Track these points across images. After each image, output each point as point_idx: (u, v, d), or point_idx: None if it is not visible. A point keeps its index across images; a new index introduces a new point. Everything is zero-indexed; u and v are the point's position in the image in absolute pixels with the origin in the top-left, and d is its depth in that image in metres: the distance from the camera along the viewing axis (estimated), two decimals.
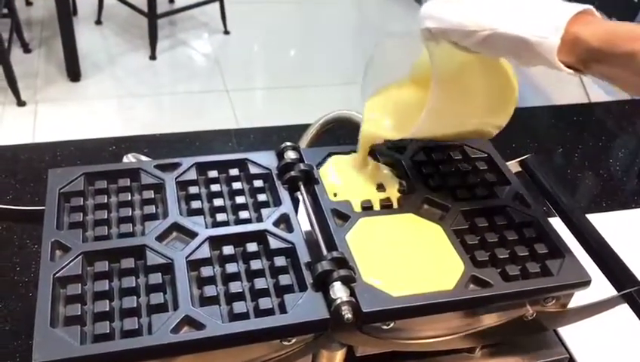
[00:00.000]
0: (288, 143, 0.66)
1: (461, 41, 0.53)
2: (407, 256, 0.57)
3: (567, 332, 0.67)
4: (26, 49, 2.64)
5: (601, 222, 0.67)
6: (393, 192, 0.64)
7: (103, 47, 2.82)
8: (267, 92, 2.75)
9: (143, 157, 0.72)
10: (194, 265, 0.54)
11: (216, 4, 2.88)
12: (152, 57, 2.73)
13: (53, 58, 2.63)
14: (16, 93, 2.34)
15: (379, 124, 0.65)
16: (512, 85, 0.62)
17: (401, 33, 0.63)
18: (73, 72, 2.52)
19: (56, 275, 0.51)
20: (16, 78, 2.32)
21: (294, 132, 0.87)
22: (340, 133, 0.98)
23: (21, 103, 2.35)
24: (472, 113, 0.62)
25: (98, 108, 2.44)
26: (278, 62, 2.92)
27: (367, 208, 0.61)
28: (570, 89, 2.34)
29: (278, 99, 2.64)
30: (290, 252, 0.56)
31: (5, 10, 2.43)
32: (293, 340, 0.51)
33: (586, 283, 0.56)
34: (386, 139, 0.66)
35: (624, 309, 0.57)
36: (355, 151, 0.67)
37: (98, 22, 2.94)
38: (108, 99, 2.50)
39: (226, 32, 2.97)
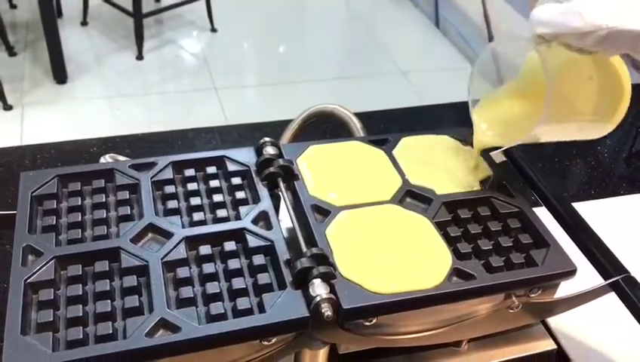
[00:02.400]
0: (267, 139, 0.65)
1: (577, 42, 0.51)
2: (392, 250, 0.55)
3: (555, 322, 0.66)
4: (11, 52, 2.62)
5: (590, 210, 0.66)
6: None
7: (89, 48, 2.80)
8: (256, 89, 2.74)
9: (122, 158, 0.71)
10: (170, 266, 0.52)
11: (203, 2, 2.86)
12: (139, 57, 2.71)
13: (39, 61, 2.61)
14: (2, 96, 2.32)
15: (490, 135, 0.64)
16: (622, 84, 0.59)
17: (509, 35, 0.63)
18: (59, 74, 2.50)
19: (28, 281, 0.50)
20: (1, 82, 2.30)
21: (278, 127, 0.85)
22: (324, 128, 0.97)
23: (7, 107, 2.33)
24: (581, 117, 0.60)
25: (86, 109, 2.42)
26: (267, 58, 2.90)
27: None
28: None
29: (268, 96, 2.63)
30: (269, 250, 0.55)
31: None
32: (274, 340, 0.50)
33: (571, 272, 0.55)
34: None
35: (612, 298, 0.57)
36: None
37: (84, 23, 2.92)
38: (96, 100, 2.48)
39: (213, 30, 2.95)
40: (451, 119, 1.10)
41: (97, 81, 2.60)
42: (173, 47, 2.87)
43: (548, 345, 0.62)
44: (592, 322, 0.67)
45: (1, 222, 0.62)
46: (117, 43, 2.82)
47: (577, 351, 0.65)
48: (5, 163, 0.90)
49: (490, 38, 2.73)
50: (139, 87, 2.59)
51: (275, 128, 0.92)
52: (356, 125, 0.77)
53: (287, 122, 0.83)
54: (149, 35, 2.83)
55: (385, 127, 1.04)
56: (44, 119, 2.33)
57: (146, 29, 2.74)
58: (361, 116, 0.80)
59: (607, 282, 0.56)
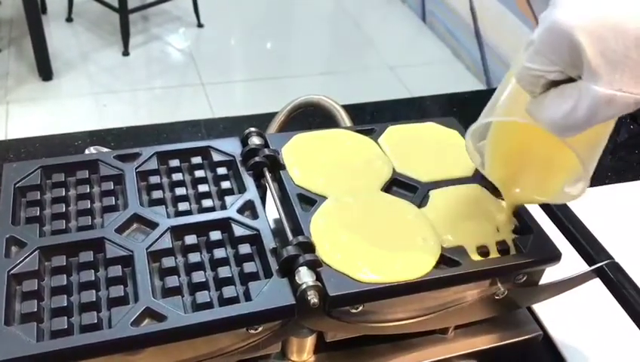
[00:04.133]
0: (252, 129, 0.65)
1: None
2: (379, 238, 0.55)
3: (541, 309, 0.66)
4: None
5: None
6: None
7: (74, 44, 2.78)
8: (243, 84, 2.73)
9: (106, 150, 0.70)
10: (155, 256, 0.52)
11: None
12: (126, 53, 2.70)
13: (23, 57, 2.59)
14: None
15: (522, 193, 0.57)
16: None
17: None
18: (45, 71, 2.48)
19: (11, 272, 0.49)
20: None
21: (265, 120, 0.85)
22: (310, 121, 0.97)
23: None
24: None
25: (72, 106, 2.40)
26: (254, 53, 2.89)
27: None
28: None
29: (255, 91, 2.62)
30: (255, 239, 0.55)
31: None
32: (260, 328, 0.50)
33: (556, 258, 0.56)
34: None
35: (596, 284, 0.57)
36: None
37: (69, 19, 2.89)
38: (81, 97, 2.47)
39: (200, 25, 2.94)
40: (438, 110, 1.10)
41: (83, 77, 2.58)
42: (159, 43, 2.86)
43: (533, 331, 0.62)
44: (577, 308, 0.67)
45: None
46: (103, 39, 2.80)
47: (563, 336, 0.66)
48: None
49: (477, 32, 2.74)
50: (125, 83, 2.58)
51: (261, 121, 0.91)
52: (342, 116, 0.77)
53: (273, 115, 0.83)
54: (135, 31, 2.81)
55: (372, 119, 1.04)
56: (30, 116, 2.31)
57: (132, 25, 2.73)
58: (348, 108, 0.80)
59: (592, 268, 0.57)
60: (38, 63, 2.47)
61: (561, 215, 0.61)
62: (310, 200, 0.58)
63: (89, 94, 2.49)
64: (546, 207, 0.62)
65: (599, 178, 0.94)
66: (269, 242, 0.54)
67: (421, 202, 0.59)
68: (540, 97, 0.43)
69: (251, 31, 3.04)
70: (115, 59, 2.69)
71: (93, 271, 0.51)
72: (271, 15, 3.18)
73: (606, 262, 0.57)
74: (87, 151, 0.69)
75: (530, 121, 0.45)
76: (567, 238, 0.60)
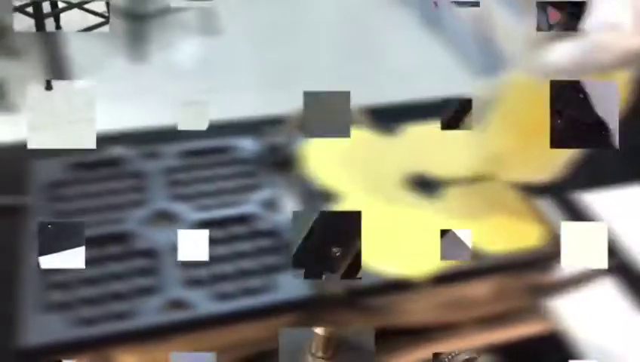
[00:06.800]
0: (273, 127, 0.66)
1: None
2: (399, 233, 0.56)
3: (555, 303, 0.67)
4: (9, 52, 2.62)
5: (594, 199, 0.67)
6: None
7: (87, 50, 2.80)
8: (255, 91, 2.75)
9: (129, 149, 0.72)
10: None
11: (202, 4, 2.87)
12: (138, 60, 2.73)
13: (36, 61, 2.62)
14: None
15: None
16: None
17: None
18: (57, 77, 2.50)
19: None
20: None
21: (284, 122, 0.86)
22: None
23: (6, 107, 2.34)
24: None
25: None
26: (268, 60, 2.92)
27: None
28: None
29: (267, 98, 2.63)
30: (276, 232, 0.56)
31: None
32: (282, 318, 0.51)
33: None
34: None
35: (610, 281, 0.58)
36: None
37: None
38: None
39: (213, 33, 2.96)
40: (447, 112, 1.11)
41: (95, 83, 2.60)
42: (171, 49, 2.89)
43: (548, 325, 0.63)
44: (591, 303, 0.68)
45: (7, 212, 0.63)
46: (115, 45, 2.83)
47: (577, 331, 0.66)
48: (9, 155, 0.90)
49: (483, 37, 2.75)
50: (137, 89, 2.60)
51: (279, 122, 0.93)
52: (359, 117, 0.78)
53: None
54: (148, 37, 2.84)
55: (381, 122, 1.05)
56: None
57: (145, 32, 2.75)
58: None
59: (608, 264, 0.58)
60: (51, 68, 2.50)
61: (577, 214, 0.62)
62: (332, 197, 0.60)
63: (102, 100, 2.50)
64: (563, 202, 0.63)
65: (614, 178, 0.94)
66: (291, 236, 0.55)
67: (439, 199, 0.61)
68: None
69: (263, 38, 3.06)
70: (127, 65, 2.72)
71: (119, 262, 0.52)
72: (285, 21, 3.20)
73: (620, 259, 0.58)
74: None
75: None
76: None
